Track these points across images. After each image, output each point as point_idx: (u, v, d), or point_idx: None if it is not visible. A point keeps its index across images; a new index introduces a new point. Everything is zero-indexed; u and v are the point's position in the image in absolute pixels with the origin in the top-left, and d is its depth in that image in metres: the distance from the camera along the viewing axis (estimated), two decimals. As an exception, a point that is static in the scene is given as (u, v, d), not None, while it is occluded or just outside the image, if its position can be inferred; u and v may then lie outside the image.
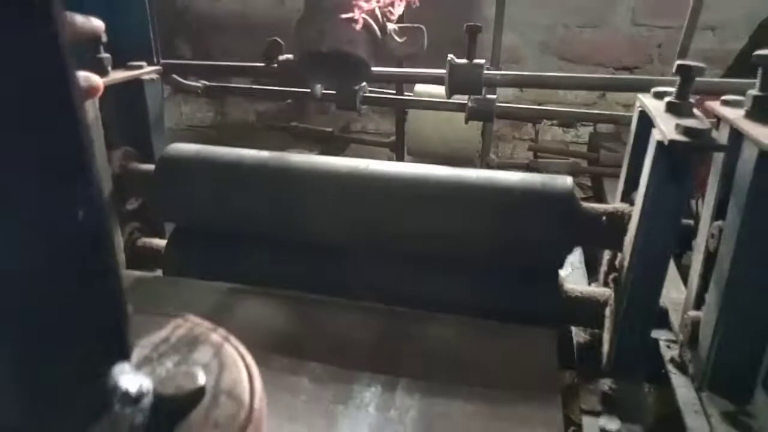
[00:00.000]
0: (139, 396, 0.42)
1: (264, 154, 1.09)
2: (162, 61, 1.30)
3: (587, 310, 1.01)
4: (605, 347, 0.97)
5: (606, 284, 1.07)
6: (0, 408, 0.37)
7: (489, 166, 2.21)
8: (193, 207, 1.10)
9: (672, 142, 0.75)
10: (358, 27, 0.84)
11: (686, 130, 0.75)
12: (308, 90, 1.31)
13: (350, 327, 0.90)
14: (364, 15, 0.82)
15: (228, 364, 0.47)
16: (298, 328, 0.91)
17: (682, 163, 0.80)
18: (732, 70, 3.01)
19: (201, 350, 0.48)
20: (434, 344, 0.88)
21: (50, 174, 0.35)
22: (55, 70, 0.34)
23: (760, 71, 0.83)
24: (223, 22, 3.86)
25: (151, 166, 1.15)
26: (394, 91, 1.83)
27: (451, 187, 0.98)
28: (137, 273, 1.09)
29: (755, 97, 0.83)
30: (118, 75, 1.13)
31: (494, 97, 1.48)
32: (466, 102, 1.48)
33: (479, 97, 1.44)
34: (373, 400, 0.78)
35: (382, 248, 1.02)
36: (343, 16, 0.82)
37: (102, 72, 1.10)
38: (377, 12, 0.85)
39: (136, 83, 1.18)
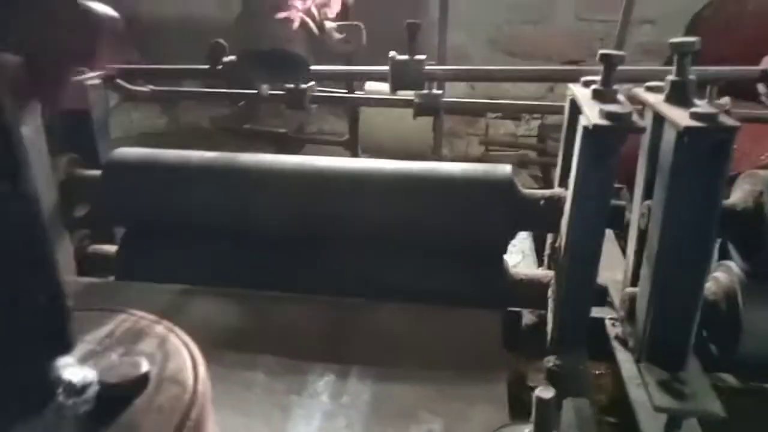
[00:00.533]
0: (84, 386, 0.43)
1: (210, 154, 1.10)
2: (107, 66, 1.29)
3: (532, 292, 1.05)
4: (549, 326, 1.01)
5: (549, 266, 1.12)
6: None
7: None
8: (141, 210, 1.11)
9: (596, 126, 0.79)
10: (295, 26, 0.86)
11: (608, 115, 0.80)
12: (256, 91, 1.33)
13: (300, 320, 0.92)
14: (300, 14, 0.84)
15: (172, 352, 0.48)
16: (249, 324, 0.93)
17: (606, 146, 0.85)
18: (670, 62, 3.14)
19: (146, 341, 0.49)
20: (383, 331, 0.91)
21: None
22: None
23: (675, 57, 0.89)
24: (169, 26, 3.80)
25: (97, 172, 1.15)
26: (345, 90, 1.86)
27: (397, 177, 1.01)
28: (89, 279, 1.09)
29: (672, 82, 0.89)
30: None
31: (440, 92, 1.52)
32: (410, 98, 1.52)
33: (425, 92, 1.48)
34: (326, 388, 0.80)
35: (329, 239, 1.04)
36: (280, 15, 0.85)
37: (42, 79, 1.09)
38: (314, 11, 0.88)
39: (81, 89, 1.17)
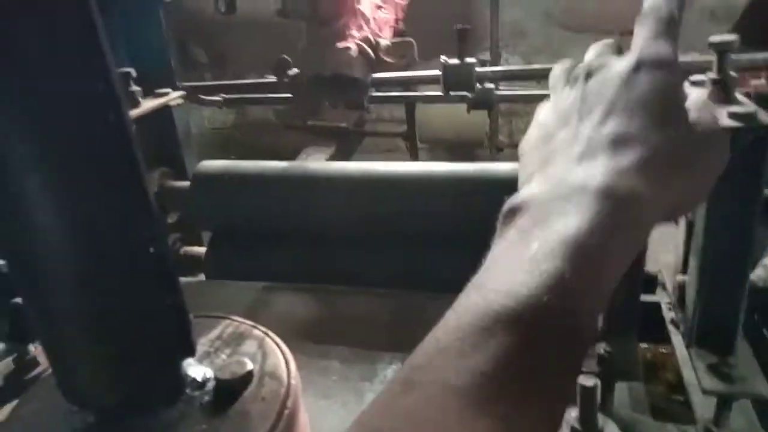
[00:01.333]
0: (204, 382, 0.56)
1: (283, 164, 1.22)
2: (184, 84, 1.43)
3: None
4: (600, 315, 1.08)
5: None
6: (102, 393, 0.51)
7: (498, 149, 2.31)
8: (225, 216, 1.24)
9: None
10: (353, 54, 0.96)
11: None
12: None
13: (369, 312, 1.03)
14: (357, 41, 0.93)
15: (269, 352, 0.60)
16: (325, 316, 1.05)
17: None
18: (738, 27, 3.01)
19: (247, 343, 0.61)
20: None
21: (131, 222, 0.48)
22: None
23: (716, 56, 0.92)
24: (234, 22, 3.98)
25: (185, 183, 1.30)
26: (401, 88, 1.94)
27: (451, 179, 1.10)
28: (183, 278, 1.24)
29: (713, 80, 0.92)
30: (148, 104, 1.27)
31: (492, 86, 1.58)
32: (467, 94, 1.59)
33: (480, 87, 1.54)
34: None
35: (392, 240, 1.15)
36: (339, 45, 0.94)
37: (135, 104, 1.24)
38: (370, 37, 0.96)
39: (165, 109, 1.32)
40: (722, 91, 0.93)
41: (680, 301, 1.11)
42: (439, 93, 1.80)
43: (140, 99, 1.26)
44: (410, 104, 2.18)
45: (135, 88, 1.24)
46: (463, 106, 2.02)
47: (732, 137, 0.87)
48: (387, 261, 1.15)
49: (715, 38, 0.94)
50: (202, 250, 1.35)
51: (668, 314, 1.18)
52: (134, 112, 1.21)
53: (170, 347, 0.53)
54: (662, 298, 1.21)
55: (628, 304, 1.04)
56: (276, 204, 1.19)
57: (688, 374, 1.09)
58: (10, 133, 0.41)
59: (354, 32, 0.94)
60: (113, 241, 0.47)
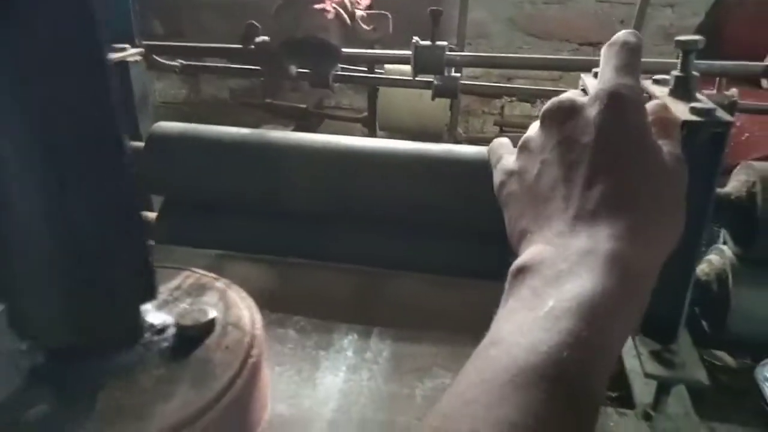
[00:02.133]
0: (163, 328, 0.53)
1: (244, 131, 1.18)
2: (144, 42, 1.37)
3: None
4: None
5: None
6: (58, 332, 0.48)
7: (456, 141, 2.33)
8: (180, 181, 1.20)
9: (603, 118, 0.87)
10: (330, 16, 0.94)
11: (615, 108, 0.88)
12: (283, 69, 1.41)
13: (328, 285, 1.02)
14: (334, 5, 0.92)
15: (232, 303, 0.58)
16: (281, 287, 1.03)
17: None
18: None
19: (209, 294, 0.59)
20: (403, 298, 1.00)
21: (99, 152, 0.45)
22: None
23: (680, 54, 0.95)
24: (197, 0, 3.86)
25: (139, 144, 1.24)
26: (366, 69, 1.93)
27: (417, 158, 1.09)
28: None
29: (677, 77, 0.96)
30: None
31: (458, 75, 1.59)
32: (432, 80, 1.59)
33: (444, 75, 1.55)
34: (350, 345, 0.90)
35: (354, 216, 1.13)
36: (316, 6, 0.92)
37: (91, 56, 1.18)
38: (347, 2, 0.95)
39: (122, 65, 1.26)
40: (684, 88, 0.97)
41: (628, 292, 1.14)
42: (404, 77, 1.80)
43: (97, 51, 1.19)
44: (373, 89, 2.17)
45: (92, 39, 1.18)
46: (425, 97, 2.03)
47: (690, 132, 0.91)
48: (344, 236, 1.14)
49: (681, 38, 0.98)
50: (152, 215, 1.30)
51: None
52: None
53: (131, 288, 0.50)
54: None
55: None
56: (233, 171, 1.15)
57: (630, 362, 1.13)
58: None
59: (326, -6, 0.92)
60: (79, 171, 0.44)
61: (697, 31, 3.30)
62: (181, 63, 1.70)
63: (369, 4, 1.05)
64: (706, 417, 1.02)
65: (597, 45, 3.76)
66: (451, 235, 1.12)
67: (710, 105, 0.91)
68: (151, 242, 1.24)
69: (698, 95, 0.98)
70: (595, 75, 1.12)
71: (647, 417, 1.02)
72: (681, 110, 0.93)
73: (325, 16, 0.92)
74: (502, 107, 3.27)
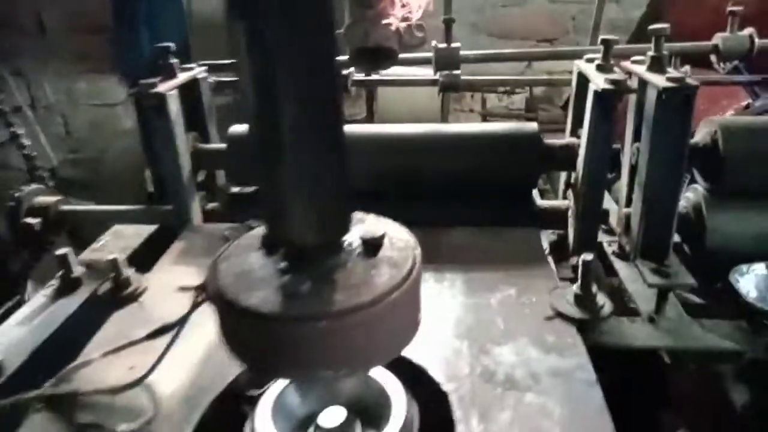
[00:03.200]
0: (352, 242, 0.79)
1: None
2: (200, 62, 1.61)
3: (554, 217, 1.43)
4: (571, 238, 1.39)
5: (565, 197, 1.50)
6: (307, 233, 0.72)
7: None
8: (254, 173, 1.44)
9: (604, 89, 1.17)
10: (393, 28, 1.20)
11: (611, 81, 1.18)
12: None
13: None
14: (398, 20, 1.18)
15: (390, 227, 0.83)
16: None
17: (609, 104, 1.22)
18: (635, 36, 3.56)
19: (378, 224, 0.83)
20: (459, 243, 1.28)
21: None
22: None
23: (653, 39, 1.26)
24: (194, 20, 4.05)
25: (215, 146, 1.48)
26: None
27: (453, 137, 1.37)
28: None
29: (652, 57, 1.26)
30: (183, 76, 1.44)
31: (459, 72, 1.88)
32: (434, 77, 1.87)
33: (448, 72, 1.84)
34: (430, 277, 1.17)
35: (408, 188, 1.40)
36: (383, 21, 1.19)
37: (173, 74, 1.41)
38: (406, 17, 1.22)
39: (194, 82, 1.50)
40: (659, 64, 1.27)
41: (626, 229, 1.45)
42: (403, 77, 2.07)
43: (177, 71, 1.43)
44: (373, 90, 2.43)
45: (173, 60, 1.42)
46: (417, 95, 2.31)
47: (668, 96, 1.21)
48: (406, 206, 1.41)
49: (654, 26, 1.29)
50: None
51: (609, 248, 1.53)
52: (174, 82, 1.39)
53: (350, 204, 0.75)
54: (603, 239, 1.56)
55: (592, 228, 1.36)
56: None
57: (631, 286, 1.43)
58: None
59: (395, 12, 1.19)
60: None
61: (641, 22, 3.71)
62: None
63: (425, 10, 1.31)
64: (695, 317, 1.31)
65: (552, 41, 4.14)
66: (486, 193, 1.41)
67: (680, 74, 1.22)
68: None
69: (669, 69, 1.29)
70: (587, 60, 1.42)
71: (651, 320, 1.31)
72: (659, 80, 1.23)
73: (390, 28, 1.19)
74: (484, 100, 3.60)
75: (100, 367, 0.95)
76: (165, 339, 0.94)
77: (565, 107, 3.17)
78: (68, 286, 1.33)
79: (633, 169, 1.40)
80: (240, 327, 0.72)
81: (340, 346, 0.70)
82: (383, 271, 0.74)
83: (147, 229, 1.63)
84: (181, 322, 0.84)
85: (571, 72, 1.46)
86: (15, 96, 4.00)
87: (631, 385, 1.26)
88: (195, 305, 0.83)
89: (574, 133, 1.43)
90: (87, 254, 1.50)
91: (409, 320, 0.77)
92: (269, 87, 0.66)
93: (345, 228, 0.77)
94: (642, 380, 1.30)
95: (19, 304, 1.61)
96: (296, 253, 0.75)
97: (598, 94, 1.20)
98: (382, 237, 0.79)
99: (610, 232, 1.52)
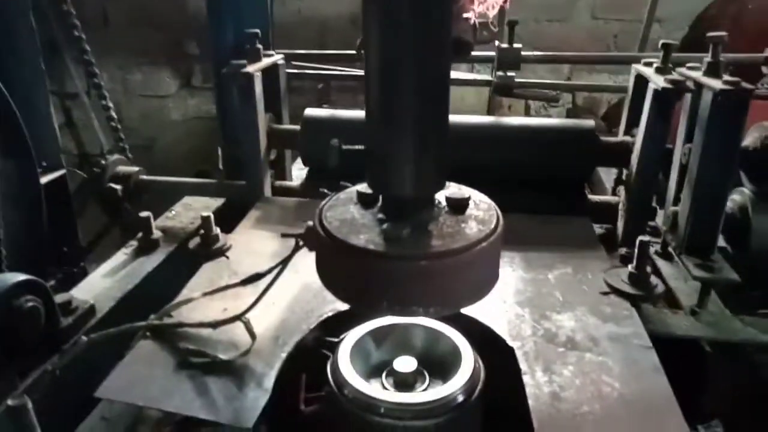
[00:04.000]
0: (443, 201, 0.88)
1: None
2: (277, 51, 1.73)
3: (604, 211, 1.51)
4: (620, 231, 1.47)
5: (614, 194, 1.58)
6: (406, 187, 0.82)
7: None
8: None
9: (663, 88, 1.25)
10: (470, 22, 1.31)
11: (671, 81, 1.26)
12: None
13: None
14: (475, 16, 1.28)
15: (480, 196, 0.92)
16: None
17: (668, 103, 1.31)
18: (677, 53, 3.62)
19: (464, 191, 0.93)
20: (515, 227, 1.36)
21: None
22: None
23: (711, 46, 1.34)
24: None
25: (288, 126, 1.59)
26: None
27: (516, 129, 1.47)
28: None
29: (709, 63, 1.34)
30: (266, 60, 1.56)
31: (513, 74, 1.97)
32: (489, 78, 1.97)
33: (502, 74, 1.93)
34: (491, 254, 1.25)
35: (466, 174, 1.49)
36: (464, 15, 1.29)
37: (259, 57, 1.53)
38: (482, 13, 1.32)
39: (274, 67, 1.62)
40: (715, 69, 1.35)
41: (672, 226, 1.52)
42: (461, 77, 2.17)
43: (262, 55, 1.55)
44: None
45: (259, 45, 1.54)
46: (466, 97, 2.39)
47: (723, 99, 1.29)
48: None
49: (713, 34, 1.37)
50: (289, 183, 1.65)
51: (652, 249, 1.60)
52: (259, 65, 1.51)
53: (447, 165, 0.85)
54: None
55: (642, 222, 1.44)
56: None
57: (674, 283, 1.49)
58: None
59: (473, 6, 1.29)
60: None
61: (683, 43, 3.76)
62: (308, 72, 2.04)
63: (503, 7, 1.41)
64: (736, 312, 1.37)
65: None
66: (542, 184, 1.49)
67: (736, 79, 1.30)
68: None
69: (723, 75, 1.37)
70: (645, 64, 1.50)
71: (693, 313, 1.37)
72: (715, 83, 1.31)
73: (468, 23, 1.29)
74: (528, 107, 3.69)
75: (197, 306, 1.06)
76: (253, 287, 1.04)
77: (606, 117, 3.23)
78: (148, 246, 1.44)
79: (683, 169, 1.47)
80: (347, 265, 0.82)
81: (434, 285, 0.79)
82: (472, 225, 0.84)
83: (214, 203, 1.75)
84: (284, 262, 0.94)
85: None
86: (75, 82, 4.19)
87: (670, 372, 1.33)
88: (295, 250, 0.93)
89: (628, 132, 1.51)
90: (161, 221, 1.62)
91: (491, 270, 0.86)
92: (399, 55, 0.76)
93: (441, 185, 0.86)
94: (681, 368, 1.37)
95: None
96: (394, 206, 0.85)
97: (657, 93, 1.29)
98: (468, 198, 0.89)
99: (652, 233, 1.60)
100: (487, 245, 0.81)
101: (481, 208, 0.89)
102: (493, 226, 0.84)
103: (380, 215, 0.85)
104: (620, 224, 1.48)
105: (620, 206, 1.49)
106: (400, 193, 0.82)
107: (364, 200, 0.90)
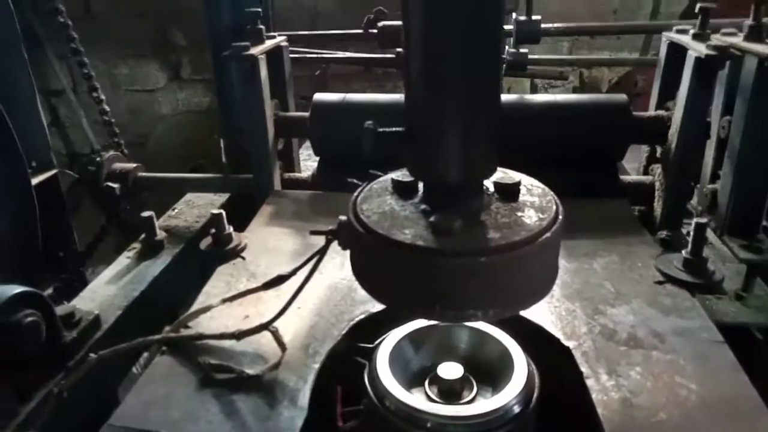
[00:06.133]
0: (491, 186, 0.78)
1: (391, 96, 1.44)
2: (278, 33, 1.61)
3: (638, 191, 1.42)
4: (657, 212, 1.38)
5: (646, 173, 1.49)
6: (452, 174, 0.71)
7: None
8: (339, 140, 1.44)
9: (707, 55, 1.15)
10: None
11: (715, 47, 1.16)
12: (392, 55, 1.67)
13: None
14: None
15: (537, 183, 0.82)
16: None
17: (711, 71, 1.21)
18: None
19: (510, 173, 0.83)
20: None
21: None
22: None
23: (753, 7, 1.24)
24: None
25: (296, 114, 1.48)
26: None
27: (549, 106, 1.36)
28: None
29: (750, 26, 1.24)
30: (269, 43, 1.44)
31: (526, 50, 1.86)
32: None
33: (515, 50, 1.82)
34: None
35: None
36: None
37: (262, 39, 1.42)
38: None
39: (278, 49, 1.50)
40: (757, 33, 1.25)
41: (711, 206, 1.43)
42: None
43: (264, 36, 1.43)
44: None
45: (261, 26, 1.42)
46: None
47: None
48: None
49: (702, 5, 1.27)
50: (299, 175, 1.54)
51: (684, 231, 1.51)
52: (263, 47, 1.39)
53: (497, 148, 0.75)
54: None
55: (682, 200, 1.34)
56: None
57: (712, 266, 1.40)
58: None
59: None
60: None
61: (683, 16, 3.67)
62: (307, 57, 1.92)
63: None
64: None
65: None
66: (575, 164, 1.39)
67: (783, 42, 1.20)
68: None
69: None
70: (678, 32, 1.40)
71: (739, 298, 1.28)
72: (761, 48, 1.21)
73: None
74: (534, 86, 3.60)
75: (215, 314, 0.96)
76: (274, 290, 0.94)
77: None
78: (153, 248, 1.34)
79: (721, 143, 1.38)
80: (391, 264, 0.71)
81: (495, 285, 0.69)
82: (530, 214, 0.74)
83: (218, 199, 1.65)
84: (316, 262, 0.84)
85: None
86: (59, 78, 4.04)
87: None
88: (326, 248, 0.83)
89: (660, 106, 1.41)
90: (164, 220, 1.51)
91: (553, 264, 0.77)
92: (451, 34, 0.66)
93: (492, 170, 0.76)
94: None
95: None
96: (439, 194, 0.75)
97: (699, 62, 1.19)
98: (519, 183, 0.79)
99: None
100: (550, 236, 0.71)
101: (535, 193, 0.79)
102: (553, 213, 0.74)
103: (423, 206, 0.75)
104: (657, 205, 1.38)
105: (657, 185, 1.39)
106: (448, 178, 0.72)
107: (401, 189, 0.80)
